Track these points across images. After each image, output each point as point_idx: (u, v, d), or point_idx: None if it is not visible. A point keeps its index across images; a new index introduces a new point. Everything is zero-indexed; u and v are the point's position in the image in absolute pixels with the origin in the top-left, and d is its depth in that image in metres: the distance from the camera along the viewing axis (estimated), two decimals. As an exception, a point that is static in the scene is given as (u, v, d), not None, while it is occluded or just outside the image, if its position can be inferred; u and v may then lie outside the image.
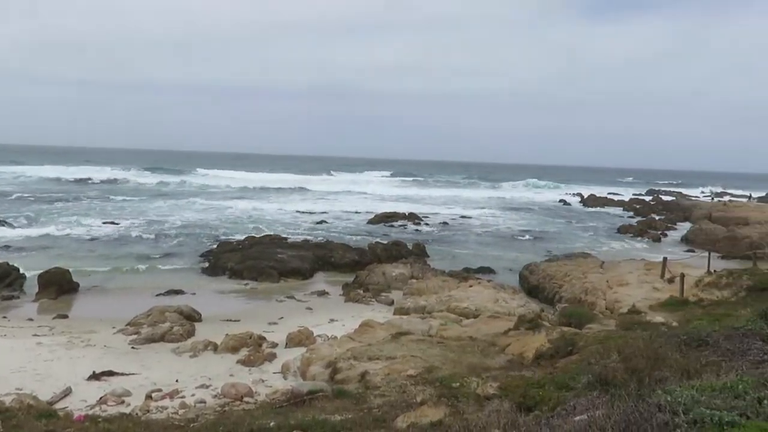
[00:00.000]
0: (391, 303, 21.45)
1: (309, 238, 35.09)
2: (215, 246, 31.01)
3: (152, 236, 34.11)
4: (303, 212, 49.53)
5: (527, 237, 41.25)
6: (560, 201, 75.88)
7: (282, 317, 18.96)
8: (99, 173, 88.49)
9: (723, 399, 3.99)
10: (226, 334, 15.66)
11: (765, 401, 3.77)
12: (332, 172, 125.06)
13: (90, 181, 77.35)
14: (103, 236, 33.64)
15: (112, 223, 38.49)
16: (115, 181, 79.80)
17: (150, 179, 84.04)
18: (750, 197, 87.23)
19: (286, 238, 33.68)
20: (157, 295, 21.51)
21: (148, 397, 11.39)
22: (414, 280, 23.94)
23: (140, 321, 17.33)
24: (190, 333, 16.66)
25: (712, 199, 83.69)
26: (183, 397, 11.40)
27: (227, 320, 18.41)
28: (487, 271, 28.17)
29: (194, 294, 22.19)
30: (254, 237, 33.28)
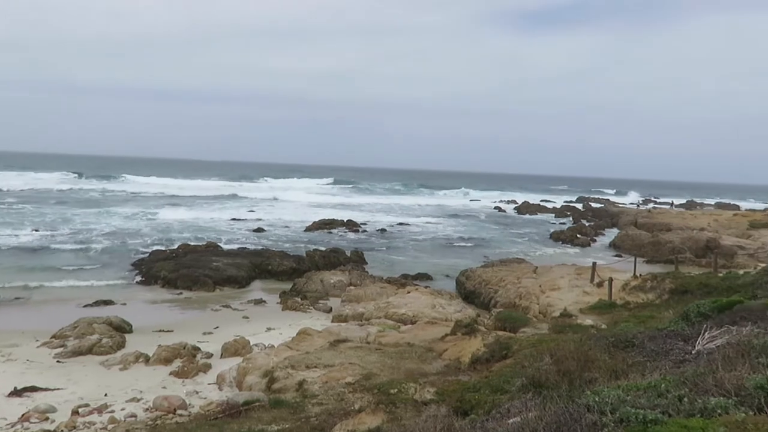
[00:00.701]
0: (330, 310, 21.37)
1: (245, 246, 34.52)
2: (147, 255, 30.06)
3: (79, 245, 32.74)
4: (238, 220, 48.70)
5: (464, 243, 41.94)
6: (495, 208, 77.60)
7: (217, 327, 18.55)
8: (19, 179, 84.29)
9: (647, 398, 4.18)
10: (159, 346, 15.20)
11: (685, 399, 3.97)
12: (269, 178, 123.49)
13: (9, 188, 73.54)
14: (25, 245, 32.03)
15: (35, 231, 36.71)
16: (38, 188, 76.11)
17: (76, 185, 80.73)
18: (672, 204, 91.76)
19: (221, 246, 33.03)
20: (84, 306, 20.63)
21: (75, 412, 10.92)
22: (352, 287, 23.93)
23: (66, 333, 16.58)
24: (120, 345, 16.07)
25: (638, 206, 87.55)
26: (112, 411, 10.98)
27: (160, 331, 17.86)
28: (425, 277, 28.47)
29: (125, 304, 21.42)
30: (188, 245, 32.46)
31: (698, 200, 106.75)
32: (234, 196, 74.77)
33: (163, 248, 31.87)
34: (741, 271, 21.96)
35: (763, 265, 23.91)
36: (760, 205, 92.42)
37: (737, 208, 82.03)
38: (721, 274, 20.41)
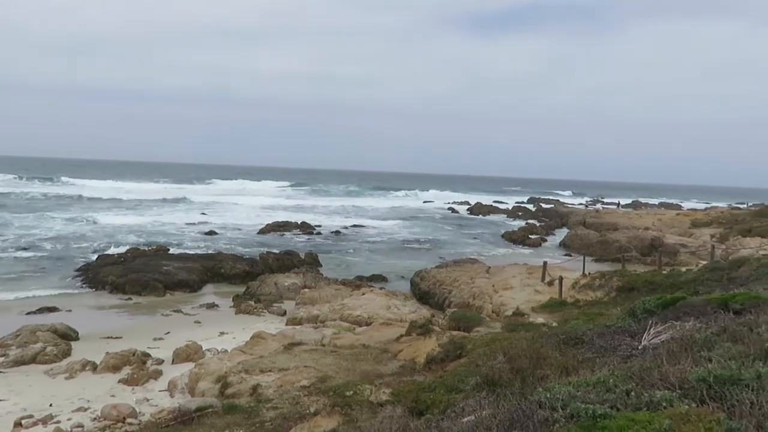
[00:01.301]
0: (284, 313, 21.19)
1: (197, 249, 33.90)
2: (94, 259, 29.17)
3: (20, 251, 31.52)
4: (190, 223, 47.76)
5: (419, 244, 42.20)
6: (449, 209, 78.39)
7: (168, 332, 18.16)
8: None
9: (597, 393, 4.28)
10: (107, 353, 14.78)
11: (632, 393, 4.09)
12: (221, 180, 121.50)
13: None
14: (-37, 251, 30.64)
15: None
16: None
17: (16, 188, 77.67)
18: (618, 204, 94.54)
19: (171, 250, 32.35)
20: (27, 314, 19.88)
21: (18, 424, 10.51)
22: (307, 290, 23.78)
23: (8, 342, 15.93)
24: (66, 353, 15.54)
25: (586, 206, 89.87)
26: (58, 422, 10.61)
27: (108, 338, 17.36)
28: (380, 278, 28.53)
29: (70, 311, 20.73)
30: (137, 249, 31.67)
31: (643, 200, 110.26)
32: (184, 199, 73.23)
33: (110, 253, 30.99)
34: (684, 269, 22.78)
35: (704, 262, 24.87)
36: (701, 205, 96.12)
37: (679, 207, 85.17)
38: (665, 272, 21.14)
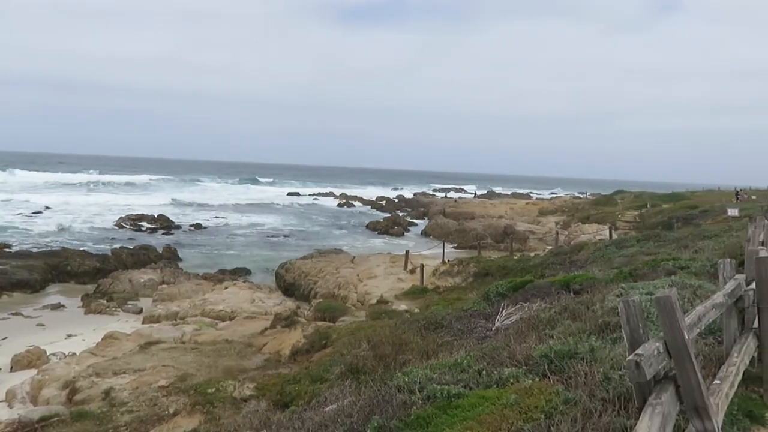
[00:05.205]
0: (140, 311, 20.09)
1: (39, 246, 31.06)
2: None
3: None
4: (27, 216, 43.60)
5: (285, 237, 41.76)
6: (315, 200, 78.40)
7: (5, 337, 16.55)
8: None
9: (452, 374, 4.50)
10: (-71, 365, 13.17)
11: (484, 372, 4.35)
12: (70, 174, 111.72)
13: None
14: None
15: None
16: None
17: None
18: (475, 195, 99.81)
19: (8, 246, 29.41)
20: None
21: None
22: (165, 286, 22.71)
23: None
24: None
25: (446, 196, 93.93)
26: None
27: (-71, 347, 15.44)
28: (244, 272, 27.90)
29: None
30: (-34, 247, 28.42)
31: (497, 190, 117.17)
32: (19, 190, 66.05)
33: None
34: (532, 254, 24.61)
35: (550, 247, 27.00)
36: (547, 195, 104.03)
37: (529, 197, 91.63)
38: (516, 257, 22.69)
